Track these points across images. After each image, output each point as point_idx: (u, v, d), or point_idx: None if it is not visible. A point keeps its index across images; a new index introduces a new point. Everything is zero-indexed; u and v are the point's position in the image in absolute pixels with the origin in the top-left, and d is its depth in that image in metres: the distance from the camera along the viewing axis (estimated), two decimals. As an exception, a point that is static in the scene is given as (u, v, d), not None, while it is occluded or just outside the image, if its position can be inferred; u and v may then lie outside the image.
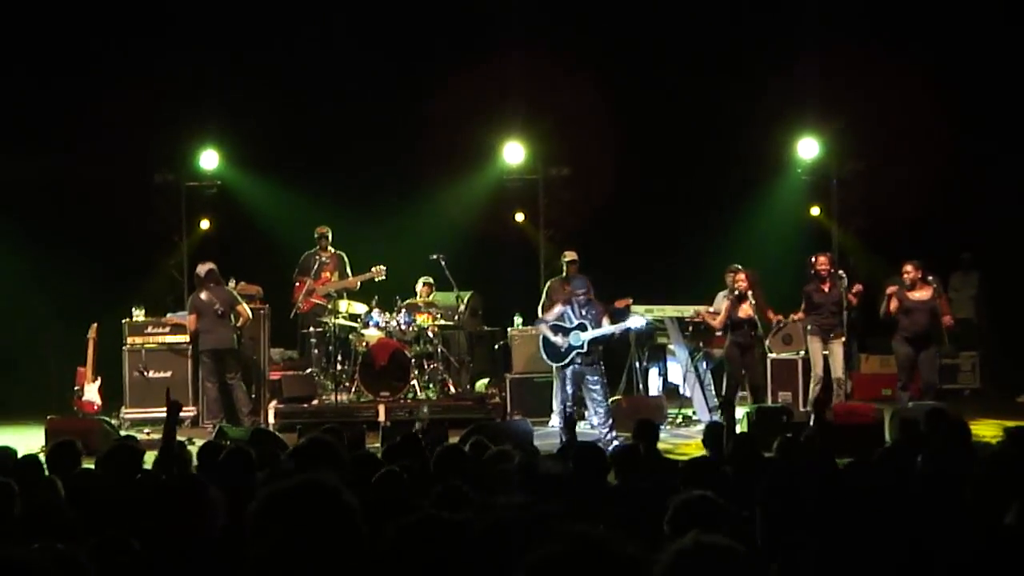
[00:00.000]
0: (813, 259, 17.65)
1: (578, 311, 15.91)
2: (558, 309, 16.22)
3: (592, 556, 3.25)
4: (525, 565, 3.28)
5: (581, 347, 15.81)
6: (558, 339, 15.93)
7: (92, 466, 8.99)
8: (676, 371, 18.90)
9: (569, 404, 15.83)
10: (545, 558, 3.24)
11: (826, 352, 17.39)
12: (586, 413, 17.92)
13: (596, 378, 15.94)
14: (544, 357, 16.42)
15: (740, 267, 17.39)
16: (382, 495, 7.00)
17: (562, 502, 6.59)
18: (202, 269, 18.17)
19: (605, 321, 16.04)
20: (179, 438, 11.94)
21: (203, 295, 17.94)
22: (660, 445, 11.68)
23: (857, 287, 17.51)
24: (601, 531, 3.43)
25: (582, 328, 15.84)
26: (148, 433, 17.01)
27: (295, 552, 3.68)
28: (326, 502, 3.87)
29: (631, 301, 17.63)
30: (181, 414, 17.63)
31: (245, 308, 17.91)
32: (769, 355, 18.29)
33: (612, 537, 3.38)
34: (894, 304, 16.98)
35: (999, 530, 5.23)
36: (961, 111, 20.29)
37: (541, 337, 16.32)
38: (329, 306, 18.87)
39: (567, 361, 15.90)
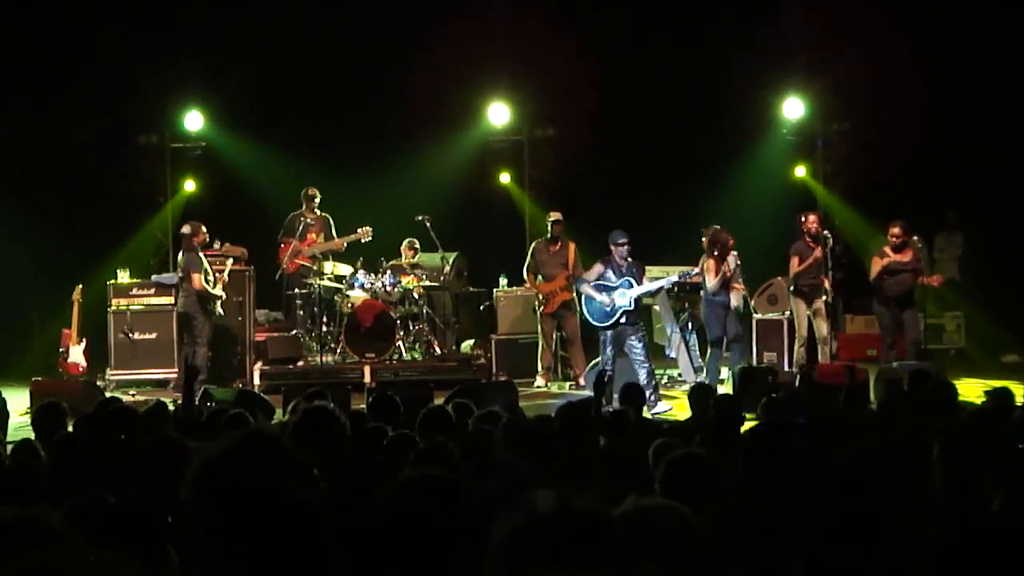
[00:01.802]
0: (803, 218, 17.66)
1: (619, 269, 15.70)
2: (597, 268, 15.96)
3: (569, 520, 3.25)
4: (503, 532, 3.29)
5: (628, 305, 15.60)
6: (603, 298, 15.67)
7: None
8: (661, 332, 18.90)
9: (609, 367, 15.40)
10: (523, 524, 3.25)
11: (810, 312, 17.43)
12: (572, 373, 18.00)
13: (638, 338, 15.79)
14: (588, 318, 16.11)
15: (718, 227, 17.26)
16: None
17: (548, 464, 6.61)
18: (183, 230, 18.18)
19: (644, 279, 15.96)
20: (164, 399, 11.98)
21: (178, 258, 18.02)
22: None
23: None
24: (577, 494, 3.43)
25: (627, 285, 15.64)
26: (133, 395, 17.09)
27: (245, 509, 3.67)
28: (269, 453, 3.87)
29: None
30: (165, 375, 17.83)
31: (197, 278, 17.59)
32: (754, 315, 18.32)
33: (587, 498, 3.38)
34: (876, 268, 17.06)
35: (986, 518, 5.24)
36: (946, 71, 20.29)
37: (584, 298, 16.03)
38: (314, 267, 18.85)
39: (612, 321, 15.67)
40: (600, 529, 3.26)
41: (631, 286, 15.64)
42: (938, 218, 21.19)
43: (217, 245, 18.67)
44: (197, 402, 11.66)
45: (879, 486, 5.09)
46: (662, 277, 16.79)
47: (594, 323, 16.06)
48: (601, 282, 15.78)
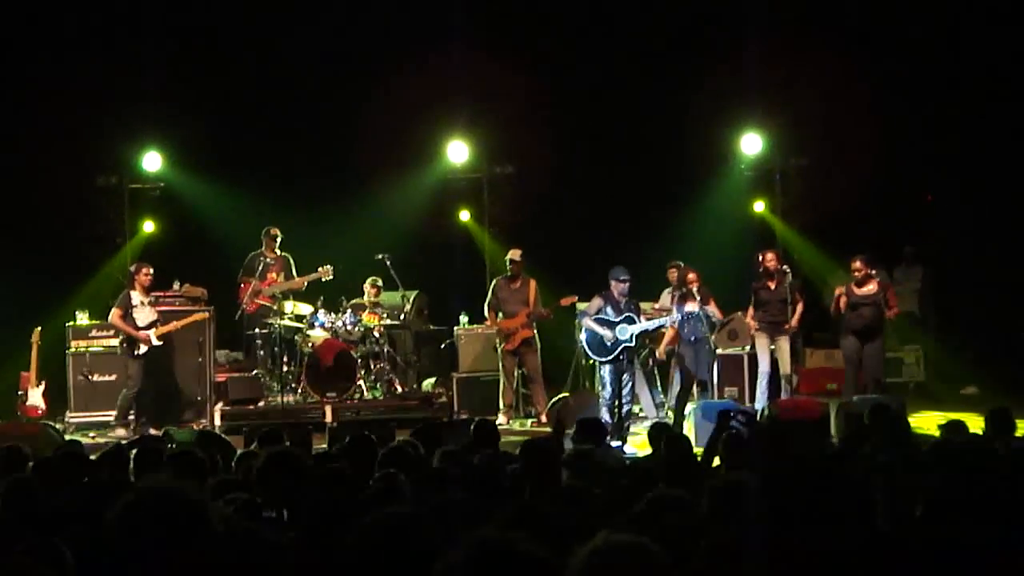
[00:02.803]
0: (760, 256, 17.69)
1: (618, 305, 15.83)
2: (596, 302, 16.10)
3: (499, 558, 3.25)
4: (433, 571, 3.28)
5: (629, 341, 15.76)
6: (606, 332, 15.83)
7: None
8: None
9: (610, 403, 15.73)
10: (453, 563, 3.24)
11: (773, 348, 17.46)
12: (534, 410, 17.97)
13: (628, 375, 16.00)
14: (587, 352, 16.32)
15: (682, 263, 17.39)
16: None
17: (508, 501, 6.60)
18: None
19: (642, 316, 16.05)
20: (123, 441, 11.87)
21: None
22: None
23: (798, 310, 17.51)
24: (510, 532, 3.43)
25: (629, 321, 15.79)
26: (93, 437, 16.98)
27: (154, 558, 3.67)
28: (175, 506, 3.88)
29: (576, 299, 17.61)
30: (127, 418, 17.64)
31: (113, 313, 17.48)
32: (715, 351, 18.34)
33: (520, 538, 3.38)
34: (843, 302, 17.05)
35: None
36: (901, 104, 20.46)
37: (585, 331, 16.14)
38: (275, 307, 18.76)
39: (613, 356, 15.80)
40: (525, 567, 3.26)
41: (633, 322, 15.84)
42: (896, 252, 21.30)
43: (177, 285, 18.59)
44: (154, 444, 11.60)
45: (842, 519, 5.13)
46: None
47: (593, 356, 16.30)
48: (601, 317, 15.97)
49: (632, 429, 16.63)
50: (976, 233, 20.60)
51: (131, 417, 17.43)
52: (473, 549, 3.24)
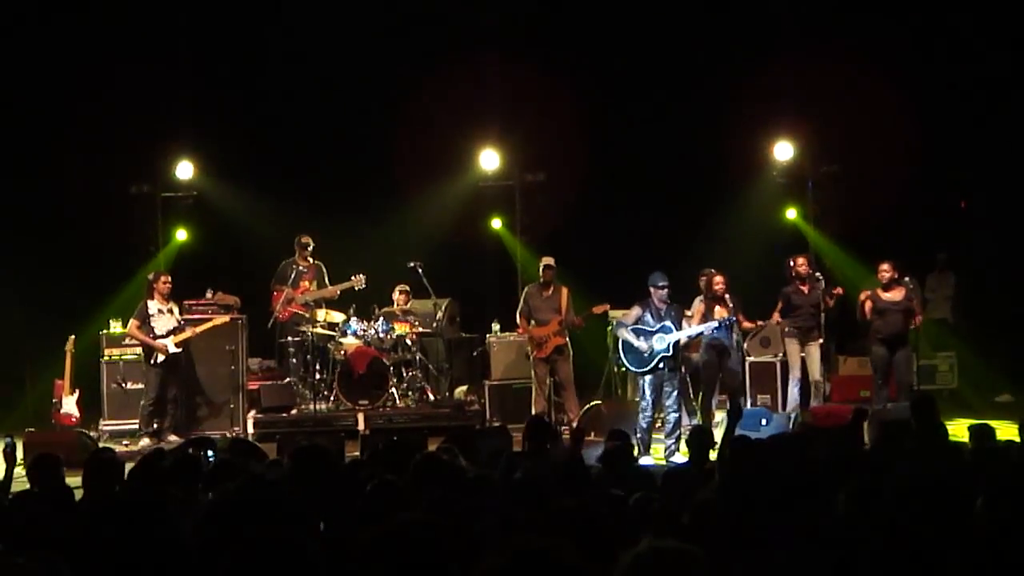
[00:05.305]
0: (792, 261, 17.68)
1: (658, 312, 15.38)
2: (635, 311, 15.56)
3: (537, 566, 3.25)
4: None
5: (667, 351, 15.27)
6: (641, 343, 15.32)
7: (72, 479, 8.93)
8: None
9: (649, 414, 15.39)
10: (491, 569, 3.24)
11: (803, 354, 17.43)
12: (566, 418, 17.90)
13: (673, 385, 15.50)
14: (624, 363, 15.84)
15: (713, 270, 17.32)
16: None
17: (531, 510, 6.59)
18: None
19: (684, 322, 15.69)
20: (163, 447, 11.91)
21: None
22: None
23: (837, 290, 17.55)
24: (546, 540, 3.43)
25: (666, 330, 15.31)
26: (127, 444, 17.05)
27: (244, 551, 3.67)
28: (267, 499, 3.89)
29: (608, 307, 17.57)
30: (158, 425, 17.65)
31: (131, 324, 17.70)
32: (747, 358, 18.29)
33: (557, 546, 3.38)
34: (868, 307, 17.01)
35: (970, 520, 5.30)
36: (935, 112, 20.38)
37: (621, 342, 15.60)
38: (307, 315, 18.81)
39: (651, 367, 15.35)
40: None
41: (670, 331, 15.33)
42: (929, 258, 21.23)
43: (210, 294, 18.64)
44: (191, 451, 11.65)
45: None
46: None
47: (631, 369, 15.86)
48: (639, 326, 15.45)
49: (662, 436, 16.56)
50: (1010, 239, 20.49)
51: (155, 426, 17.51)
52: (513, 556, 3.24)
